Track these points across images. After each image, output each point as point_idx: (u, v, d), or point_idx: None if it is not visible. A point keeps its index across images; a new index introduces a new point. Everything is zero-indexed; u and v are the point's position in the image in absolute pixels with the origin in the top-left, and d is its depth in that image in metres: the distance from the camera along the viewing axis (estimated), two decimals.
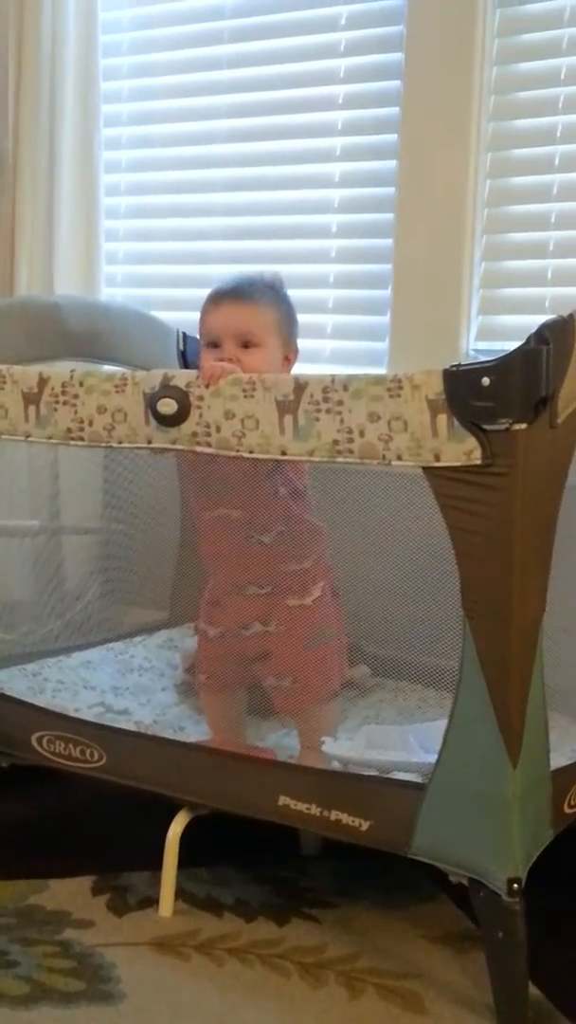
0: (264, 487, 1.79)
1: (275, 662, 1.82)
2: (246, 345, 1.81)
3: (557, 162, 2.22)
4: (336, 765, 1.74)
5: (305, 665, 1.81)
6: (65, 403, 1.71)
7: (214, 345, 1.82)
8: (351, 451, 1.49)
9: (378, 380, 1.46)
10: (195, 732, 1.92)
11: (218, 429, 1.58)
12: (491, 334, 2.32)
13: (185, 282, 2.65)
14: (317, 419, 1.50)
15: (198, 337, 1.90)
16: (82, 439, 1.71)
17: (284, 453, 1.54)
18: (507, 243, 2.31)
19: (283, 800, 1.66)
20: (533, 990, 1.53)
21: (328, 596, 1.84)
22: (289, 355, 1.86)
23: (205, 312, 1.87)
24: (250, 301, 1.85)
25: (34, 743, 1.88)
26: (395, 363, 2.36)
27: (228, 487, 1.79)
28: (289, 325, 1.87)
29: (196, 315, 1.88)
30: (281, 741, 1.89)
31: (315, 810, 1.63)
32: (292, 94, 2.53)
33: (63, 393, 1.71)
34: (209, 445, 1.60)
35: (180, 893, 1.79)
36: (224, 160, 2.63)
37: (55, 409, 1.72)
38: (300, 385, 1.52)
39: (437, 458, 1.43)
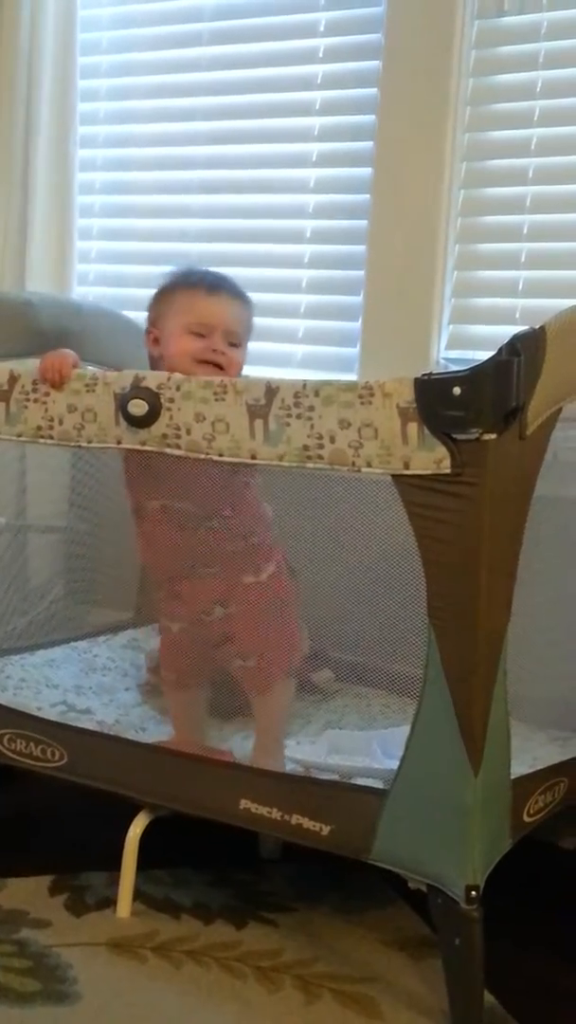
0: (230, 480, 1.75)
1: (239, 643, 1.81)
2: (231, 343, 1.79)
3: (531, 174, 2.23)
4: (298, 769, 1.74)
5: (267, 640, 1.80)
6: (35, 401, 1.71)
7: (200, 335, 1.79)
8: (321, 457, 1.49)
9: (349, 387, 1.47)
10: (157, 733, 1.91)
11: (188, 431, 1.58)
12: (461, 343, 2.33)
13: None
14: (288, 424, 1.51)
15: (153, 319, 1.87)
16: (51, 438, 1.71)
17: (254, 457, 1.54)
18: (479, 253, 2.31)
19: (244, 803, 1.66)
20: (488, 997, 1.54)
21: (283, 572, 1.81)
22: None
23: (195, 297, 1.83)
24: (243, 300, 1.84)
25: None
26: (366, 369, 2.36)
27: (172, 479, 1.73)
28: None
29: None
30: (244, 744, 1.89)
31: (276, 814, 1.63)
32: (269, 98, 2.53)
33: (34, 391, 1.71)
34: (179, 447, 1.60)
35: (138, 894, 1.79)
36: (199, 162, 2.63)
37: (25, 407, 1.72)
38: (271, 390, 1.52)
39: (406, 466, 1.44)
